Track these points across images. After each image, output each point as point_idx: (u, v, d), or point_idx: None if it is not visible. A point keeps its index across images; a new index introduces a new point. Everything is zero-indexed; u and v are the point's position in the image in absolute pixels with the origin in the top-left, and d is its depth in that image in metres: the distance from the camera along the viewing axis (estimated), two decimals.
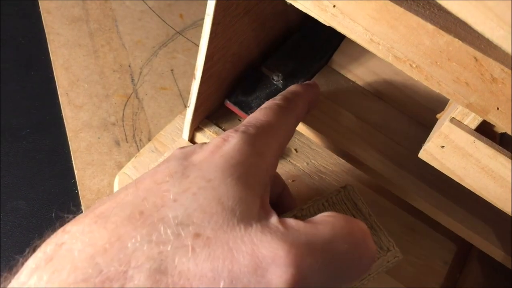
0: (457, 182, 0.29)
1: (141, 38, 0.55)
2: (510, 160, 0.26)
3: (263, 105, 0.31)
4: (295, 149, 0.42)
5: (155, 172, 0.24)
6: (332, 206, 0.30)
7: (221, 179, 0.23)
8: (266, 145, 0.27)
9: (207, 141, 0.40)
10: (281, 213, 0.30)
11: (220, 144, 0.25)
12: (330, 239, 0.23)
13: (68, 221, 0.23)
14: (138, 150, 0.46)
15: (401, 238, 0.39)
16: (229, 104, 0.39)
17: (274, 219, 0.23)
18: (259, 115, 0.29)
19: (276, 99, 0.32)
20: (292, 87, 0.34)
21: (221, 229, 0.21)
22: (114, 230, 0.21)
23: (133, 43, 0.55)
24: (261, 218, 0.23)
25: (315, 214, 0.28)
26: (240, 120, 0.41)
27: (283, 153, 0.30)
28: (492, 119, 0.24)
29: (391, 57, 0.24)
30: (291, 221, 0.23)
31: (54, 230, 0.22)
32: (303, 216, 0.28)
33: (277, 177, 0.33)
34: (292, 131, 0.31)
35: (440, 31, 0.22)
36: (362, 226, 0.25)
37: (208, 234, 0.21)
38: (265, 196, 0.25)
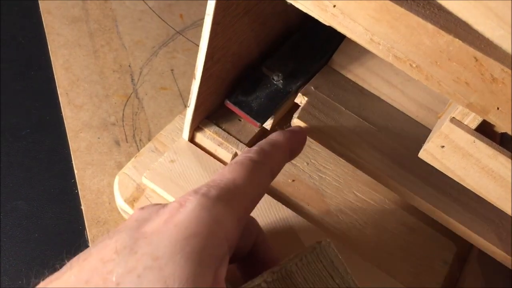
0: (457, 182, 0.29)
1: (141, 38, 0.55)
2: (510, 160, 0.26)
3: (235, 159, 0.29)
4: None
5: (104, 247, 0.23)
6: (306, 265, 0.28)
7: (170, 256, 0.22)
8: (229, 209, 0.25)
9: (207, 141, 0.40)
10: (255, 265, 0.29)
11: (175, 211, 0.24)
12: None
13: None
14: (138, 150, 0.46)
15: (401, 238, 0.39)
16: (229, 104, 0.39)
17: None
18: (226, 172, 0.27)
19: (251, 152, 0.29)
20: (274, 135, 0.32)
21: None
22: None
23: (133, 43, 0.55)
24: None
25: (288, 277, 0.27)
26: (240, 120, 0.41)
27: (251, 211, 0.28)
28: (492, 119, 0.24)
29: (391, 57, 0.24)
30: None
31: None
32: (274, 281, 0.26)
33: (251, 224, 0.30)
34: (264, 188, 0.29)
35: (440, 31, 0.22)
36: None
37: None
38: (221, 269, 0.23)
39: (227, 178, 0.26)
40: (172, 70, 0.53)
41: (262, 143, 0.31)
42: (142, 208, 0.25)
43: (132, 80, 0.52)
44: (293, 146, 0.32)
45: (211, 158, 0.40)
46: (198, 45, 0.31)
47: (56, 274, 0.23)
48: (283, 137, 0.32)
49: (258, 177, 0.28)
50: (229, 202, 0.25)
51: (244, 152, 0.29)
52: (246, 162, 0.28)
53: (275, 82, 0.40)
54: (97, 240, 0.24)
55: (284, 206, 0.38)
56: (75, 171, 0.45)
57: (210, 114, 0.41)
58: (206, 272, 0.22)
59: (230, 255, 0.25)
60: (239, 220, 0.25)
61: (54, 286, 0.22)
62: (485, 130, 0.27)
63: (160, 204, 0.25)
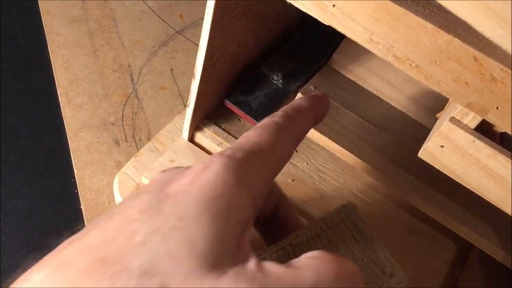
0: (457, 182, 0.29)
1: (140, 38, 0.55)
2: (509, 160, 0.26)
3: (261, 122, 0.28)
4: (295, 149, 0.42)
5: (129, 207, 0.22)
6: (331, 228, 0.28)
7: (195, 217, 0.21)
8: (253, 172, 0.24)
9: (206, 141, 0.40)
10: (276, 229, 0.29)
11: (200, 172, 0.23)
12: (314, 287, 0.21)
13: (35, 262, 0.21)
14: (138, 150, 0.46)
15: (401, 238, 0.39)
16: (229, 104, 0.39)
17: (251, 264, 0.21)
18: (251, 135, 0.26)
19: (276, 116, 0.28)
20: (298, 101, 0.31)
21: (190, 280, 0.20)
22: (74, 281, 0.20)
23: (132, 43, 0.55)
24: (237, 261, 0.21)
25: (313, 240, 0.27)
26: (239, 120, 0.41)
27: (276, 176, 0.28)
28: (491, 118, 0.24)
29: (391, 56, 0.24)
30: (271, 266, 0.21)
31: (23, 270, 0.21)
32: (299, 244, 0.26)
33: (273, 187, 0.30)
34: (289, 153, 0.28)
35: (440, 30, 0.22)
36: (350, 268, 0.23)
37: (174, 286, 0.19)
38: (246, 232, 0.23)
39: (253, 141, 0.25)
40: (171, 69, 0.53)
41: (287, 108, 0.30)
42: (164, 171, 0.25)
43: (132, 79, 0.52)
44: (317, 112, 0.31)
45: None
46: (197, 45, 0.31)
47: (77, 235, 0.22)
48: (307, 103, 0.31)
49: (284, 142, 0.27)
50: (255, 165, 0.24)
51: (269, 116, 0.28)
52: (272, 125, 0.27)
53: (274, 82, 0.40)
54: (120, 202, 0.23)
55: None
56: (75, 171, 0.45)
57: (209, 114, 0.41)
58: (231, 233, 0.22)
59: (254, 218, 0.24)
60: (264, 184, 0.25)
61: (77, 244, 0.21)
62: (484, 130, 0.27)
63: (183, 167, 0.25)
